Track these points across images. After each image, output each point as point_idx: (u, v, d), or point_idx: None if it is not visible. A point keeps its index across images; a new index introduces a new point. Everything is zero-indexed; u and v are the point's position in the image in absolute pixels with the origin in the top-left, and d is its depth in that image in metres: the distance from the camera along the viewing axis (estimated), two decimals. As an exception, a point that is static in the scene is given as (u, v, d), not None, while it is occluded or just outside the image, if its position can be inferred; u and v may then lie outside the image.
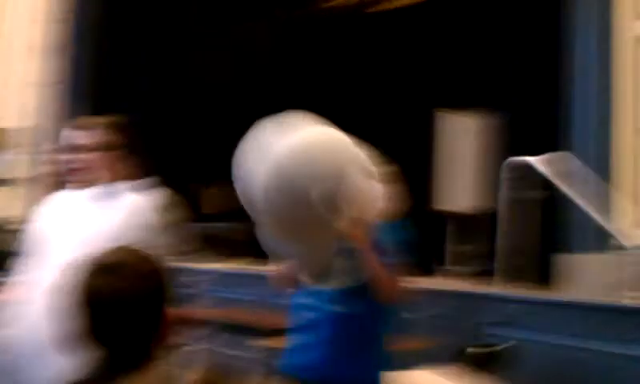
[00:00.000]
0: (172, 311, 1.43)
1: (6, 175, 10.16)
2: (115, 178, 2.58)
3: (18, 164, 9.91)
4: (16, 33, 9.93)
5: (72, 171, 2.53)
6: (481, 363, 3.85)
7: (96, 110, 9.23)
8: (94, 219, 2.52)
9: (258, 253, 2.77)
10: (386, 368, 2.72)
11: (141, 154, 2.66)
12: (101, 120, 2.60)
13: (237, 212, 2.77)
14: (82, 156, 2.51)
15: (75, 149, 2.51)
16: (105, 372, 1.35)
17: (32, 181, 9.51)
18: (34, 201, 8.98)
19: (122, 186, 2.59)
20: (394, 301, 2.69)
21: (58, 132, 9.00)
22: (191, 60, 9.59)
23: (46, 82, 9.58)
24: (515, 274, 5.43)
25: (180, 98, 9.45)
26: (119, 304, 1.34)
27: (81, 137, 2.52)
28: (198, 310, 3.95)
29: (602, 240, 4.77)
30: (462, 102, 7.46)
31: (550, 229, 5.29)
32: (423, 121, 7.53)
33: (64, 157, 2.52)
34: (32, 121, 9.73)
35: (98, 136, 2.53)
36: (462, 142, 7.32)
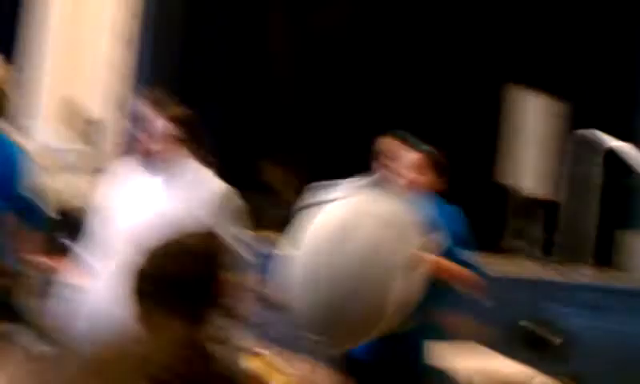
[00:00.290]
0: (236, 284, 1.50)
1: (101, 164, 10.67)
2: (180, 161, 2.67)
3: (112, 155, 10.40)
4: (111, 24, 10.40)
5: (140, 146, 2.64)
6: (534, 341, 3.88)
7: (183, 100, 9.63)
8: (159, 204, 2.61)
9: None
10: (435, 340, 2.79)
11: (203, 143, 2.77)
12: (174, 107, 2.74)
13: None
14: (154, 133, 2.61)
15: (148, 125, 2.62)
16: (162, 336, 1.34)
17: (101, 171, 9.96)
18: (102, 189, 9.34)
19: (186, 169, 2.67)
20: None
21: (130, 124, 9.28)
22: (267, 46, 9.79)
23: (125, 72, 10.01)
24: (577, 253, 5.36)
25: (256, 84, 9.65)
26: (178, 284, 1.40)
27: (155, 115, 2.63)
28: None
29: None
30: (535, 80, 7.34)
31: (616, 207, 5.16)
32: (495, 95, 7.44)
33: (135, 130, 2.63)
34: (109, 111, 10.18)
35: (179, 116, 2.68)
36: (533, 119, 7.20)
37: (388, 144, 2.82)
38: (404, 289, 2.25)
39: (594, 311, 4.35)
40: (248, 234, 2.62)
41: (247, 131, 9.53)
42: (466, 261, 2.66)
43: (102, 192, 2.80)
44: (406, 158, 2.77)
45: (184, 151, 2.67)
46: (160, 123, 2.63)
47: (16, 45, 9.58)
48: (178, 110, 2.73)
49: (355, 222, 2.29)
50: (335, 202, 2.37)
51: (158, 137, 2.62)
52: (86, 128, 10.46)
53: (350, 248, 2.24)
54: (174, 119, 2.68)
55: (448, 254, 2.51)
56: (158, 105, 2.67)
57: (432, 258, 2.40)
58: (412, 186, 2.74)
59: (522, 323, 3.98)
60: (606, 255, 5.08)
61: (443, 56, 9.31)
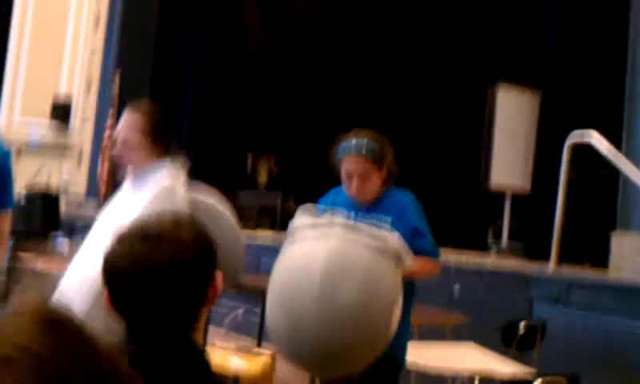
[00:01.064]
0: (220, 275, 1.44)
1: (69, 141, 10.46)
2: (151, 159, 2.61)
3: (81, 131, 10.19)
4: (82, 1, 10.16)
5: (120, 153, 2.63)
6: (523, 338, 3.83)
7: (154, 82, 9.41)
8: (127, 203, 2.58)
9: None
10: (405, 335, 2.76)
11: (173, 136, 2.75)
12: (141, 106, 2.69)
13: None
14: (122, 138, 2.60)
15: (126, 130, 2.61)
16: (149, 334, 1.36)
17: (93, 149, 9.76)
18: (96, 170, 9.34)
19: (154, 167, 2.61)
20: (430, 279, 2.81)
21: (118, 102, 9.12)
22: (244, 34, 9.64)
23: (108, 54, 9.78)
24: (571, 252, 5.37)
25: (231, 73, 9.51)
26: (160, 270, 1.34)
27: (132, 119, 2.61)
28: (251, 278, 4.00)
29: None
30: (518, 77, 7.33)
31: (609, 207, 5.19)
32: (479, 95, 7.44)
33: (116, 139, 2.64)
34: (95, 90, 9.97)
35: (138, 121, 2.61)
36: (519, 118, 7.21)
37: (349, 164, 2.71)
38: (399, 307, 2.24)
39: (579, 304, 4.31)
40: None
41: (223, 114, 9.39)
42: (424, 248, 2.62)
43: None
44: (355, 170, 2.67)
45: (152, 151, 2.60)
46: (126, 118, 2.61)
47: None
48: (148, 104, 2.73)
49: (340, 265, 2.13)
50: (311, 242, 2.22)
51: (128, 138, 2.58)
52: (53, 106, 10.23)
53: (342, 294, 2.09)
54: (141, 112, 2.64)
55: (408, 244, 2.41)
56: (130, 108, 2.65)
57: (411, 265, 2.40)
58: (361, 194, 2.69)
59: (509, 320, 3.92)
60: (600, 252, 5.07)
61: (419, 52, 9.28)
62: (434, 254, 2.67)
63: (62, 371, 0.63)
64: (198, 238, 1.41)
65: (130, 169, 2.64)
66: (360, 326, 2.11)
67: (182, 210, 2.45)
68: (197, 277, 1.39)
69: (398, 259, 2.22)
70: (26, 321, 0.65)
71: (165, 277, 1.34)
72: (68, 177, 10.33)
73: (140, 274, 1.33)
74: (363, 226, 2.26)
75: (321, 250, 2.14)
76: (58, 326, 0.67)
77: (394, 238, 2.27)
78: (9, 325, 0.65)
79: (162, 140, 2.62)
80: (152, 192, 2.51)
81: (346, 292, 2.08)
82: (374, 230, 2.26)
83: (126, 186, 2.66)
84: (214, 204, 2.72)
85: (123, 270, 1.34)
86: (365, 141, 2.69)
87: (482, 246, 7.07)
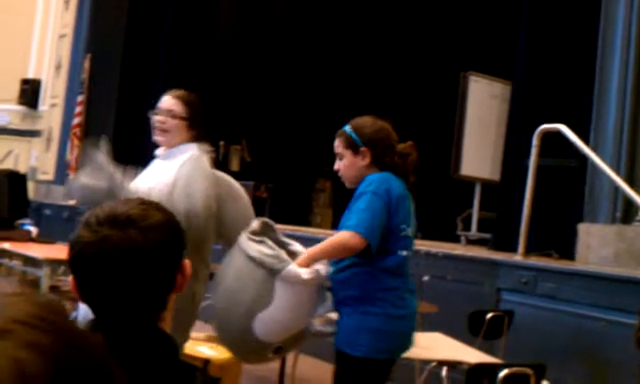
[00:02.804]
0: (188, 263, 1.43)
1: (38, 127, 10.31)
2: (187, 141, 2.89)
3: (50, 116, 10.04)
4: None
5: (160, 131, 2.87)
6: (490, 327, 3.88)
7: (124, 66, 9.30)
8: (160, 174, 2.80)
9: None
10: None
11: (202, 125, 2.98)
12: (187, 93, 2.94)
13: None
14: (171, 121, 2.85)
15: (167, 113, 2.85)
16: (117, 321, 1.35)
17: (62, 134, 9.63)
18: (66, 153, 9.21)
19: (190, 146, 2.88)
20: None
21: (88, 86, 8.99)
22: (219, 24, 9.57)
23: (78, 38, 9.63)
24: (539, 243, 5.44)
25: (204, 61, 9.44)
26: (129, 255, 1.32)
27: (174, 105, 2.86)
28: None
29: (628, 211, 4.74)
30: (490, 68, 7.39)
31: (576, 199, 5.26)
32: (450, 84, 7.48)
33: (157, 118, 2.86)
34: (65, 73, 9.82)
35: (185, 107, 2.88)
36: (490, 108, 7.27)
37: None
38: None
39: (545, 293, 4.37)
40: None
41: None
42: (344, 224, 2.62)
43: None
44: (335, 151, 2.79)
45: (188, 134, 2.89)
46: (168, 102, 2.87)
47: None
48: (184, 92, 2.95)
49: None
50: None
51: (166, 115, 2.85)
52: (22, 91, 10.07)
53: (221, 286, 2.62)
54: (180, 98, 2.89)
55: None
56: (177, 95, 2.92)
57: (304, 261, 2.56)
58: (342, 176, 2.79)
59: (476, 310, 3.97)
60: (567, 243, 5.14)
61: (391, 41, 9.30)
62: (349, 228, 2.56)
63: (57, 350, 0.66)
64: (167, 224, 1.40)
65: (163, 146, 2.89)
66: (222, 326, 2.64)
67: (207, 176, 2.78)
68: (165, 262, 1.37)
69: (272, 271, 2.51)
70: (24, 301, 0.67)
71: (133, 262, 1.32)
72: (36, 163, 10.19)
73: (108, 260, 1.31)
74: (269, 240, 2.61)
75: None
76: (55, 310, 0.69)
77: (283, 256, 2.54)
78: (6, 302, 0.67)
79: (196, 127, 2.90)
80: (181, 161, 2.78)
81: (216, 296, 2.63)
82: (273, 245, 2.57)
83: (157, 161, 2.90)
84: (233, 182, 3.02)
85: (90, 255, 1.32)
86: (346, 125, 2.78)
87: (451, 237, 7.13)
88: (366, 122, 2.79)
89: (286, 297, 2.50)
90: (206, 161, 2.84)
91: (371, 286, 2.59)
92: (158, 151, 2.92)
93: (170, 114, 2.82)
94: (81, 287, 1.35)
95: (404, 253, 2.63)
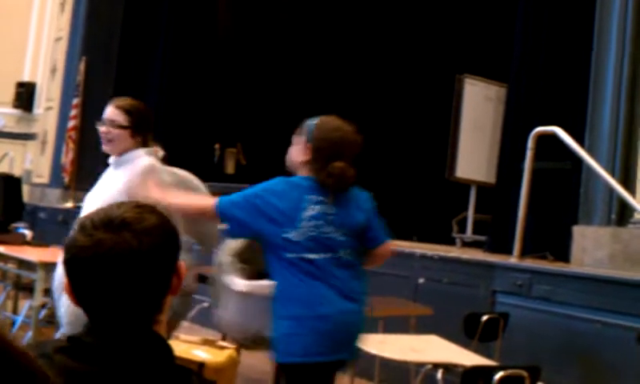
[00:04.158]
0: (183, 265, 1.42)
1: (33, 130, 10.29)
2: (134, 147, 3.02)
3: (45, 119, 10.02)
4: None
5: (105, 141, 3.02)
6: (485, 330, 3.88)
7: (120, 70, 9.30)
8: (111, 182, 2.94)
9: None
10: None
11: (153, 129, 3.10)
12: (129, 102, 3.06)
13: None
14: (113, 130, 2.99)
15: (109, 123, 3.00)
16: (112, 325, 1.34)
17: (57, 137, 9.61)
18: (61, 157, 9.19)
19: (137, 152, 3.01)
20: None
21: (84, 89, 8.98)
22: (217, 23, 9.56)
23: (73, 41, 9.62)
24: (534, 245, 5.44)
25: (202, 62, 9.43)
26: (124, 259, 1.31)
27: (116, 114, 3.00)
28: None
29: (623, 213, 4.75)
30: (485, 71, 7.40)
31: (572, 200, 5.26)
32: (446, 87, 7.48)
33: (101, 128, 3.02)
34: (60, 77, 9.81)
35: (126, 115, 3.00)
36: (486, 110, 7.28)
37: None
38: None
39: (540, 296, 4.38)
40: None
41: (190, 102, 9.31)
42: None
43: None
44: None
45: (133, 141, 3.01)
46: (110, 112, 3.02)
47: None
48: (126, 100, 3.08)
49: None
50: None
51: (109, 126, 2.99)
52: (17, 94, 10.05)
53: None
54: (121, 108, 3.02)
55: None
56: (119, 104, 3.06)
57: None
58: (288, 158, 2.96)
59: (472, 312, 3.97)
60: (563, 245, 5.14)
61: (387, 43, 9.31)
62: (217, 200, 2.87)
63: None
64: (162, 226, 1.39)
65: (111, 154, 3.04)
66: None
67: (165, 181, 2.91)
68: (161, 265, 1.37)
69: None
70: None
71: (129, 266, 1.32)
72: (31, 166, 10.17)
73: (103, 264, 1.31)
74: None
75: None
76: None
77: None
78: None
79: (141, 133, 3.01)
80: (132, 170, 2.90)
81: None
82: None
83: (109, 170, 3.05)
84: (189, 176, 3.21)
85: (85, 259, 1.31)
86: (315, 118, 2.92)
87: (447, 239, 7.13)
88: (329, 123, 2.85)
89: (229, 303, 2.74)
90: (158, 167, 2.99)
91: (280, 289, 2.69)
92: (110, 159, 3.06)
93: (113, 123, 2.97)
94: (75, 291, 1.34)
95: (312, 256, 2.65)
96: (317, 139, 2.78)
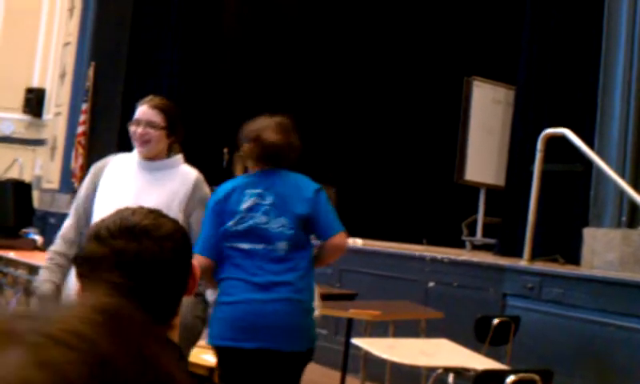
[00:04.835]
0: (197, 266, 1.44)
1: (43, 135, 10.33)
2: (169, 153, 2.94)
3: (54, 125, 10.06)
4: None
5: (142, 142, 2.87)
6: (496, 333, 3.86)
7: (129, 74, 9.32)
8: (154, 188, 2.81)
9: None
10: None
11: (182, 132, 3.03)
12: (164, 101, 2.98)
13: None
14: (152, 131, 2.85)
15: (147, 124, 2.86)
16: None
17: (67, 143, 9.64)
18: (70, 162, 9.24)
19: (177, 158, 2.95)
20: None
21: (92, 94, 9.00)
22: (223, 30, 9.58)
23: (82, 46, 9.65)
24: (544, 248, 5.41)
25: (208, 64, 9.45)
26: (147, 267, 1.33)
27: (154, 115, 2.87)
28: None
29: (633, 215, 4.73)
30: (493, 73, 7.38)
31: (582, 202, 5.24)
32: (454, 89, 7.47)
33: (137, 129, 2.86)
34: (69, 82, 9.84)
35: (163, 115, 2.89)
36: (494, 113, 7.26)
37: None
38: None
39: (551, 299, 4.36)
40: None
41: (199, 107, 9.32)
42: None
43: (91, 181, 2.92)
44: None
45: (167, 142, 2.92)
46: (147, 112, 2.89)
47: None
48: (161, 100, 2.97)
49: None
50: None
51: (147, 126, 2.86)
52: (26, 99, 10.09)
53: None
54: (158, 108, 2.90)
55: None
56: (157, 104, 2.94)
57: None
58: None
59: (483, 315, 3.96)
60: (573, 247, 5.12)
61: (395, 46, 9.31)
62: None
63: (114, 363, 0.63)
64: (178, 230, 1.41)
65: (143, 155, 2.89)
66: None
67: (207, 195, 2.90)
68: (180, 269, 1.39)
69: None
70: (87, 310, 0.65)
71: (152, 273, 1.33)
72: (41, 171, 10.21)
73: (127, 272, 1.31)
74: None
75: None
76: (123, 323, 0.66)
77: None
78: (69, 310, 0.65)
79: (174, 134, 2.93)
80: (181, 181, 2.85)
81: None
82: None
83: (135, 172, 2.88)
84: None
85: (105, 268, 1.32)
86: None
87: (456, 242, 7.11)
88: (251, 123, 3.08)
89: None
90: (203, 182, 2.95)
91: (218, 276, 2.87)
92: (137, 161, 2.90)
93: (151, 124, 2.85)
94: None
95: (245, 245, 2.79)
96: (242, 138, 3.04)
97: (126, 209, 1.41)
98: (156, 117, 2.86)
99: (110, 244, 1.32)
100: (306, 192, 2.86)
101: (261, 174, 2.92)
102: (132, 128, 2.87)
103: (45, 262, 2.87)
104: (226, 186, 2.93)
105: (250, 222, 2.77)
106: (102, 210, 2.67)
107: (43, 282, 2.78)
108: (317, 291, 3.11)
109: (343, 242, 2.91)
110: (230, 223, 2.79)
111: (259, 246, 2.77)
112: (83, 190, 2.92)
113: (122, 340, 0.62)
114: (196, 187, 2.86)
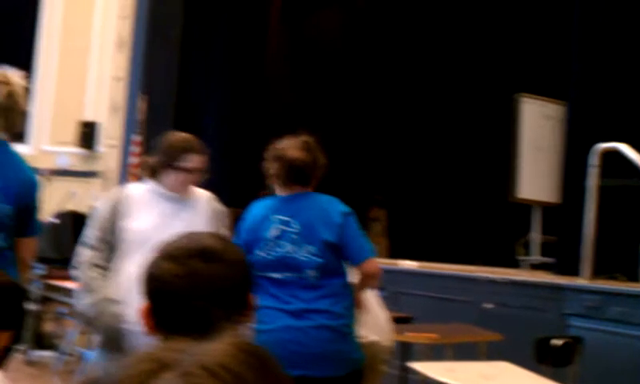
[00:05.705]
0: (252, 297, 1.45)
1: (97, 168, 10.56)
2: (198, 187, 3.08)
3: (108, 157, 10.29)
4: (105, 28, 10.29)
5: (187, 186, 2.99)
6: (558, 354, 3.77)
7: (178, 108, 9.50)
8: (182, 222, 2.86)
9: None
10: None
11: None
12: (202, 146, 3.06)
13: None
14: (192, 176, 2.97)
15: (191, 170, 2.96)
16: None
17: (120, 174, 9.84)
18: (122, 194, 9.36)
19: (203, 195, 3.08)
20: None
21: (143, 126, 9.18)
22: (265, 51, 9.69)
23: (131, 78, 9.88)
24: (601, 265, 5.28)
25: (253, 90, 9.56)
26: (219, 289, 1.35)
27: (195, 160, 2.96)
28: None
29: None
30: (543, 89, 7.28)
31: (638, 218, 5.11)
32: (503, 107, 7.39)
33: (178, 175, 2.94)
34: (120, 115, 10.07)
35: (203, 160, 3.00)
36: (545, 129, 7.15)
37: None
38: None
39: (613, 318, 4.24)
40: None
41: (247, 139, 9.41)
42: None
43: (118, 210, 3.02)
44: None
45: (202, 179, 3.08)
46: (202, 161, 3.01)
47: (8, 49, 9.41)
48: (199, 144, 3.06)
49: None
50: None
51: (199, 174, 3.00)
52: (80, 133, 10.34)
53: None
54: (205, 153, 3.03)
55: None
56: (197, 149, 3.03)
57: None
58: None
59: (543, 336, 3.87)
60: (632, 264, 4.99)
61: (444, 65, 9.28)
62: None
63: None
64: (242, 255, 1.45)
65: (182, 191, 3.00)
66: None
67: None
68: (244, 293, 1.41)
69: None
70: (231, 347, 0.68)
71: (223, 294, 1.35)
72: (96, 204, 10.41)
73: (199, 294, 1.33)
74: None
75: None
76: (261, 361, 0.70)
77: None
78: (214, 348, 0.69)
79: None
80: (202, 204, 3.01)
81: None
82: None
83: (165, 205, 2.97)
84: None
85: (180, 288, 1.33)
86: None
87: (509, 262, 6.99)
88: (277, 142, 3.02)
89: None
90: (218, 203, 3.10)
91: None
92: (163, 196, 2.97)
93: (200, 171, 2.98)
94: (160, 318, 1.34)
95: (276, 275, 2.78)
96: (267, 158, 2.97)
97: (194, 232, 1.44)
98: (204, 164, 3.00)
99: (184, 263, 1.34)
100: (333, 217, 2.80)
101: (287, 199, 2.88)
102: (182, 176, 2.95)
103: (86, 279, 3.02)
104: (253, 212, 2.93)
105: (279, 251, 2.78)
106: (143, 238, 2.79)
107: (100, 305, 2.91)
108: (384, 316, 3.07)
109: (373, 268, 2.84)
110: (259, 253, 2.80)
111: (290, 275, 2.77)
112: (104, 221, 3.05)
113: (263, 376, 0.66)
114: (214, 207, 3.03)
